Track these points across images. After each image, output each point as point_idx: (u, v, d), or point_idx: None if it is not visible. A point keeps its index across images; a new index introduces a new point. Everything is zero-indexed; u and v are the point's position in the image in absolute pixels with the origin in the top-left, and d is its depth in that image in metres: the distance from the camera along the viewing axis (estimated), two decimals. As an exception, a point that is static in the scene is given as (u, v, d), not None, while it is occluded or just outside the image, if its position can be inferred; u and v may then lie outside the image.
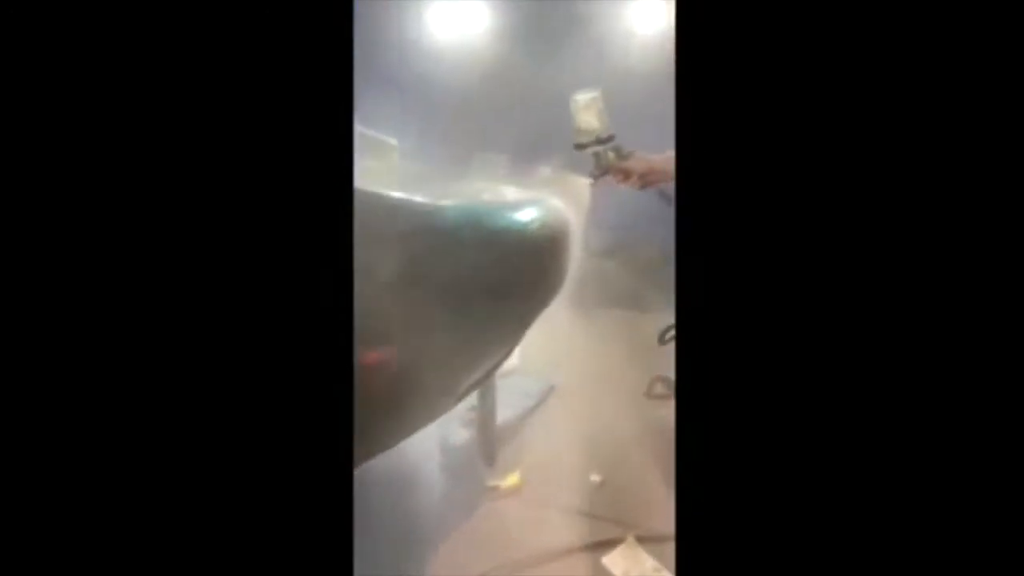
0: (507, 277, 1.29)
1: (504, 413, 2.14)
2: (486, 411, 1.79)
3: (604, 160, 1.18)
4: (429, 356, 1.00)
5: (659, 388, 2.29)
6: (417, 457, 1.91)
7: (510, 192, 1.84)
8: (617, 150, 1.18)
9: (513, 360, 2.58)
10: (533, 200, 1.54)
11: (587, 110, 1.14)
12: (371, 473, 1.82)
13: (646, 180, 1.18)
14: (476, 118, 3.16)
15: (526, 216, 1.53)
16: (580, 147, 1.19)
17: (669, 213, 0.56)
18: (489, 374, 1.66)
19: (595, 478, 1.83)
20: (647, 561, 1.43)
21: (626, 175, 1.20)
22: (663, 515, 1.54)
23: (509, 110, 3.11)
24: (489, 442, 1.86)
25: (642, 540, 1.51)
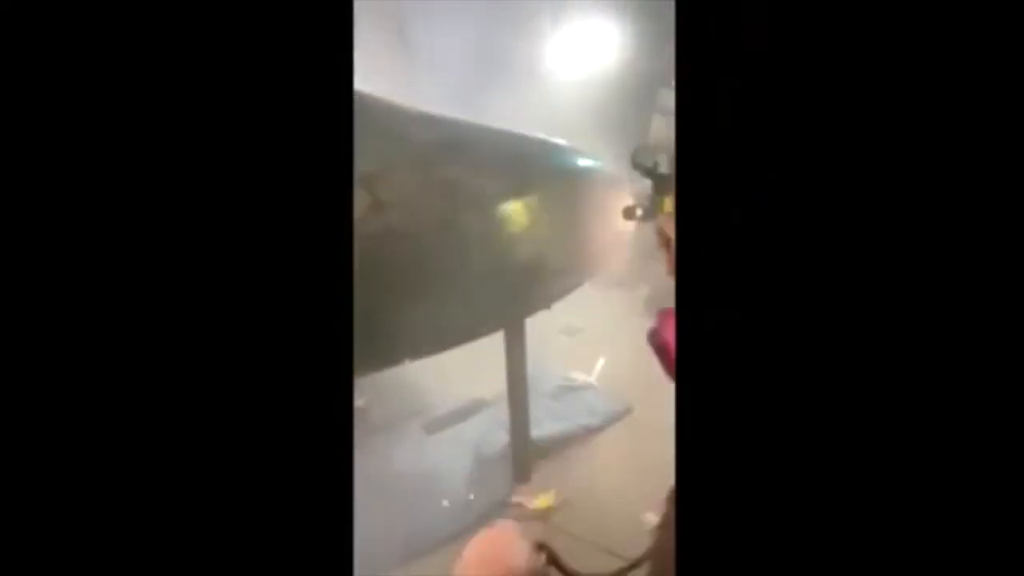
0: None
1: (558, 427, 1.93)
2: (517, 416, 1.61)
3: (656, 203, 0.78)
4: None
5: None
6: (445, 454, 1.79)
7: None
8: (663, 196, 0.76)
9: (587, 376, 2.36)
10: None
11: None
12: (388, 463, 1.74)
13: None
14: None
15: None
16: (640, 167, 0.76)
17: None
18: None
19: (650, 517, 1.54)
20: None
21: (668, 241, 0.79)
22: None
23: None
24: (522, 454, 1.67)
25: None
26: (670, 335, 0.62)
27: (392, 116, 0.99)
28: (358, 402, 2.14)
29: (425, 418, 2.05)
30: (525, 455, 1.66)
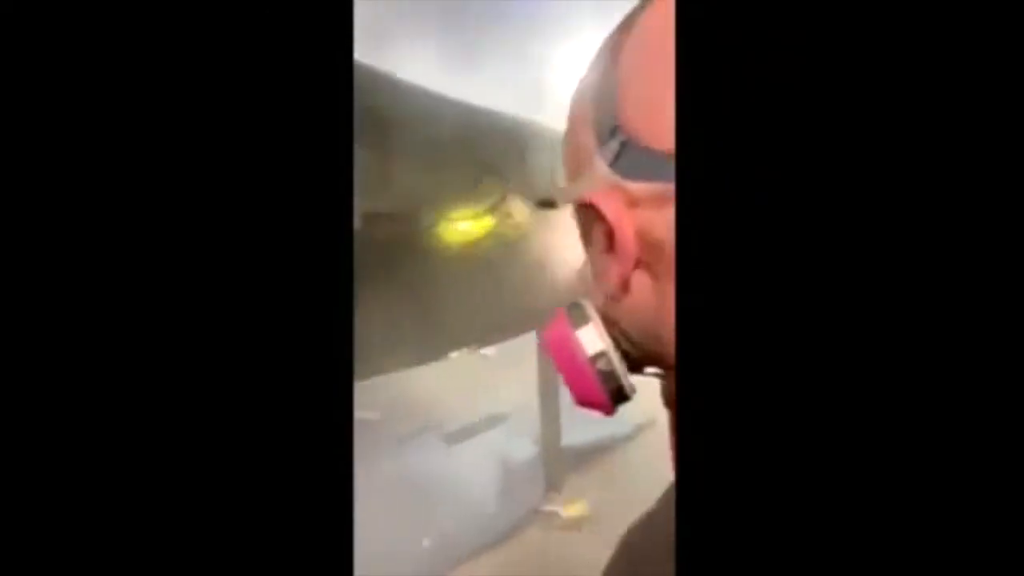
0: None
1: (587, 436, 1.92)
2: (548, 426, 1.60)
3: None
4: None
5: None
6: (473, 465, 1.78)
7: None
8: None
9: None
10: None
11: None
12: (415, 469, 1.73)
13: None
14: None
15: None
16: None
17: None
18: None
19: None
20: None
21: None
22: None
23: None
24: (553, 463, 1.66)
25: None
26: (549, 334, 0.63)
27: (433, 102, 1.01)
28: (372, 414, 2.13)
29: (446, 429, 2.05)
30: (557, 463, 1.65)
